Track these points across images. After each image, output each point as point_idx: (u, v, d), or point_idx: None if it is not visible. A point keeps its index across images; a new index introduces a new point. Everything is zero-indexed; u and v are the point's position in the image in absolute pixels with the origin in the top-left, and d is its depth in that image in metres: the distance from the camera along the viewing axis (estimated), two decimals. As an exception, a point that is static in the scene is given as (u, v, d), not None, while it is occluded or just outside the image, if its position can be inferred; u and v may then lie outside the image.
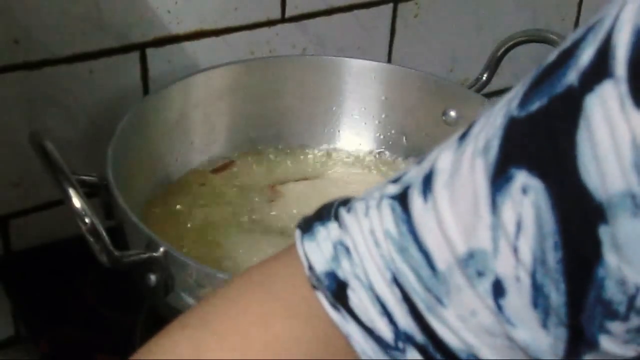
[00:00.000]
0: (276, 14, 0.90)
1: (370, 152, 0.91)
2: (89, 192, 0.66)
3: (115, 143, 0.73)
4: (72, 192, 0.62)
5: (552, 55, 0.37)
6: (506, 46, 0.88)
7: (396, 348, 0.40)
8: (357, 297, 0.40)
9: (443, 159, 0.39)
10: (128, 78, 0.85)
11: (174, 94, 0.83)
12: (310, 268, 0.41)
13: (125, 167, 0.74)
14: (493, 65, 0.89)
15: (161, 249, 0.64)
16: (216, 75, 0.85)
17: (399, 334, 0.40)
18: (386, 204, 0.40)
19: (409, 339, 0.40)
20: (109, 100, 0.84)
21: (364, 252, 0.40)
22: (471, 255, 0.37)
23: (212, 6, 0.87)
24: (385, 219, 0.40)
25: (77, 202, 0.62)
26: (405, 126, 0.91)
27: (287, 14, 0.91)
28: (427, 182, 0.39)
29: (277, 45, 0.92)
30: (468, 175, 0.38)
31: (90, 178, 0.71)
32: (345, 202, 0.43)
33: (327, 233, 0.42)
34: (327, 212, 0.43)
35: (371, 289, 0.40)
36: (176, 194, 0.83)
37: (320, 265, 0.41)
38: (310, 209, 0.87)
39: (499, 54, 0.88)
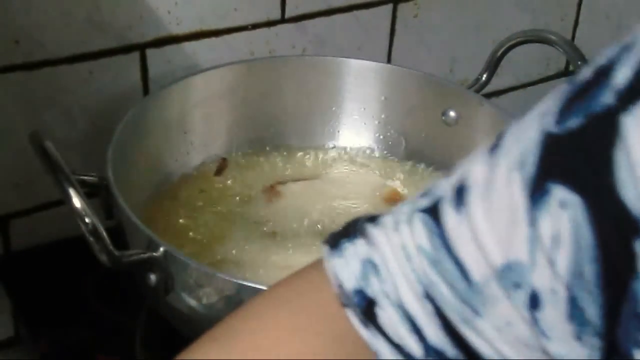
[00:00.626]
0: (276, 15, 0.90)
1: (370, 152, 0.91)
2: (89, 192, 0.66)
3: (115, 143, 0.73)
4: (72, 192, 0.62)
5: (586, 71, 0.38)
6: (506, 46, 0.88)
7: None
8: (386, 315, 0.41)
9: (475, 172, 0.40)
10: (128, 78, 0.85)
11: (173, 94, 0.83)
12: (339, 286, 0.42)
13: (125, 167, 0.74)
14: (492, 65, 0.89)
15: (161, 249, 0.64)
16: (216, 76, 0.85)
17: (428, 350, 0.40)
18: (417, 218, 0.41)
19: (438, 354, 0.40)
20: (109, 100, 0.85)
21: (394, 267, 0.41)
22: (508, 267, 0.38)
23: (212, 7, 0.87)
24: (417, 232, 0.40)
25: (77, 202, 0.62)
26: (405, 126, 0.91)
27: (287, 15, 0.91)
28: (460, 195, 0.40)
29: (277, 46, 0.92)
30: (504, 189, 0.38)
31: (90, 178, 0.71)
32: (372, 218, 0.44)
33: (355, 250, 0.42)
34: (354, 229, 0.43)
35: (400, 306, 0.40)
36: (176, 193, 0.83)
37: (349, 282, 0.41)
38: (309, 209, 0.87)
39: (499, 54, 0.88)
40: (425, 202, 0.41)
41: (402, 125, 0.91)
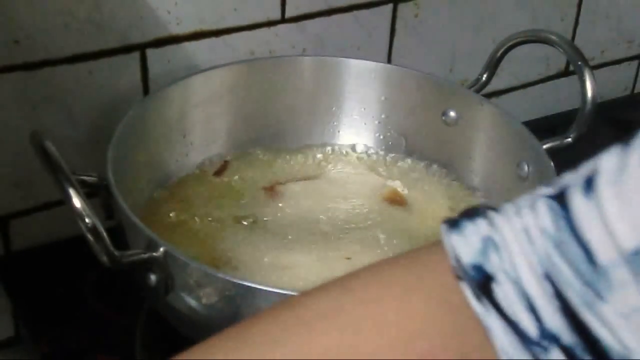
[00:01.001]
0: (276, 15, 0.90)
1: (370, 153, 0.91)
2: (89, 192, 0.66)
3: (116, 143, 0.73)
4: (72, 192, 0.62)
5: None
6: (506, 46, 0.88)
7: (539, 345, 0.40)
8: (503, 291, 0.40)
9: (606, 161, 0.39)
10: (128, 78, 0.85)
11: (174, 94, 0.83)
12: (457, 259, 0.41)
13: (125, 167, 0.74)
14: (493, 65, 0.89)
15: (161, 249, 0.64)
16: (216, 76, 0.85)
17: (544, 332, 0.40)
18: (542, 203, 0.40)
19: (554, 338, 0.40)
20: (109, 100, 0.85)
21: (514, 248, 0.40)
22: (639, 252, 0.37)
23: (211, 7, 0.87)
24: (540, 216, 0.40)
25: (77, 202, 0.62)
26: (405, 126, 0.91)
27: (287, 15, 0.91)
28: (590, 182, 0.39)
29: (276, 46, 0.92)
30: (637, 174, 0.38)
31: (90, 178, 0.71)
32: (491, 207, 0.44)
33: (476, 228, 0.42)
34: (474, 212, 0.43)
35: (519, 284, 0.40)
36: (176, 193, 0.83)
37: (467, 256, 0.41)
38: (309, 209, 0.87)
39: (499, 54, 0.88)
40: (550, 190, 0.41)
41: (402, 125, 0.91)
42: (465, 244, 0.42)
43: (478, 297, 0.41)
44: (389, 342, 0.41)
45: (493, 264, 0.41)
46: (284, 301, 0.44)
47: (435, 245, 0.43)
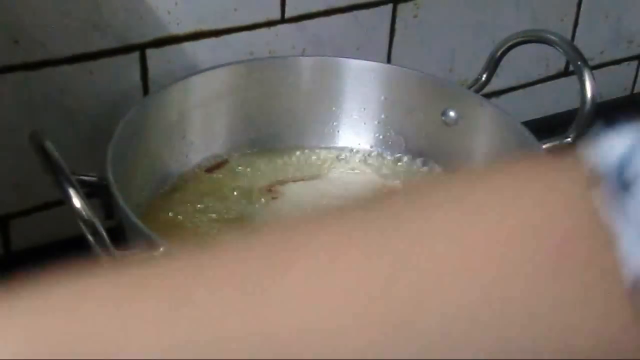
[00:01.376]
0: (276, 15, 0.90)
1: (370, 153, 0.91)
2: (89, 192, 0.66)
3: (115, 143, 0.73)
4: (72, 192, 0.62)
5: None
6: (505, 46, 0.88)
7: None
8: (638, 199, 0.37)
9: None
10: (128, 78, 0.85)
11: (173, 94, 0.83)
12: (593, 164, 0.39)
13: (125, 167, 0.74)
14: (492, 65, 0.89)
15: (161, 249, 0.64)
16: (216, 76, 0.85)
17: None
18: None
19: None
20: (109, 100, 0.85)
21: None
22: None
23: (211, 7, 0.87)
24: None
25: (77, 202, 0.62)
26: (405, 126, 0.91)
27: (287, 15, 0.91)
28: None
29: (276, 46, 0.92)
30: None
31: (90, 178, 0.71)
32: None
33: (622, 136, 0.39)
34: (618, 124, 0.40)
35: None
36: (176, 193, 0.83)
37: (608, 160, 0.38)
38: (309, 209, 0.87)
39: (498, 54, 0.88)
40: None
41: (402, 125, 0.91)
42: (606, 149, 0.39)
43: (611, 202, 0.38)
44: (525, 219, 0.38)
45: (635, 169, 0.38)
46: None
47: (564, 156, 0.40)
